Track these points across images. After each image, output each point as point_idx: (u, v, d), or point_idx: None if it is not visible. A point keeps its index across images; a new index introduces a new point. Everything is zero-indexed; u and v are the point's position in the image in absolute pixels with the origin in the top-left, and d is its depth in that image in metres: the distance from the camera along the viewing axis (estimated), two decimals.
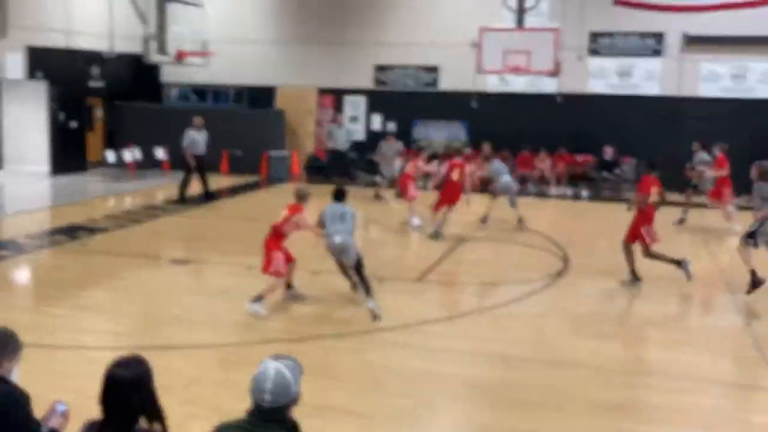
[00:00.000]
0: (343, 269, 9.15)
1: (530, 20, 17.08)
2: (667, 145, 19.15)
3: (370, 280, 8.88)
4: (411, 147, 20.22)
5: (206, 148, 16.03)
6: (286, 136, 21.21)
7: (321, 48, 21.41)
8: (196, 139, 15.84)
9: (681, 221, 14.59)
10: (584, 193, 19.12)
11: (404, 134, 20.61)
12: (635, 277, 10.13)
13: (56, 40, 18.98)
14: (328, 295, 9.39)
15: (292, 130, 21.54)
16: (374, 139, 20.78)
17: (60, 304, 8.88)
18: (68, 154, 19.70)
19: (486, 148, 17.16)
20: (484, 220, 14.14)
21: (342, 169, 19.89)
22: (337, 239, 8.75)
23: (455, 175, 13.04)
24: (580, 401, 6.35)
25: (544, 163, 19.37)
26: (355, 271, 8.87)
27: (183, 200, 15.85)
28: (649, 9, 17.20)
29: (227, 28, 20.94)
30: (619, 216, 14.74)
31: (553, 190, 19.17)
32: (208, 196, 16.24)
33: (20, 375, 3.69)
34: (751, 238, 9.52)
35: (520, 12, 16.38)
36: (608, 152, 19.29)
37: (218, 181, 18.92)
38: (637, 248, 10.13)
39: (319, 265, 10.72)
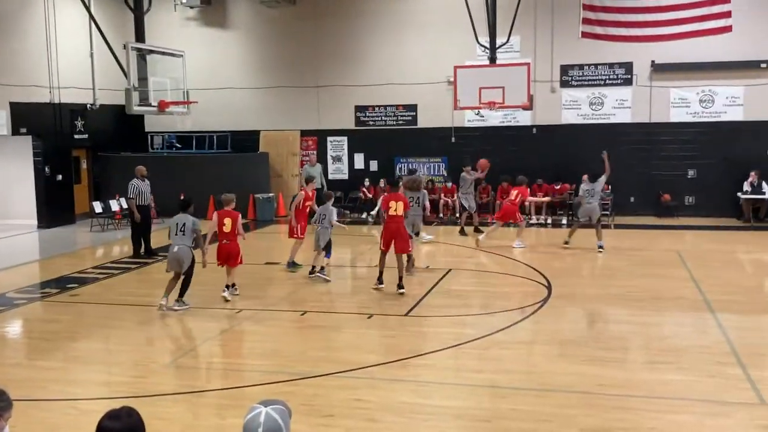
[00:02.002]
0: (177, 276, 10.77)
1: (503, 56, 17.58)
2: (641, 170, 19.66)
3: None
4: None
5: (149, 197, 15.31)
6: (271, 178, 21.51)
7: (301, 91, 21.79)
8: (141, 189, 15.09)
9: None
10: (563, 221, 19.45)
11: (387, 171, 21.00)
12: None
13: (39, 96, 19.23)
14: (313, 335, 9.60)
15: (277, 172, 21.83)
16: (358, 177, 21.27)
17: (51, 356, 8.93)
18: (55, 206, 19.88)
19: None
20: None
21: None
22: (175, 249, 10.65)
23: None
24: (571, 427, 6.48)
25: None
26: (186, 277, 10.71)
27: (139, 253, 15.17)
28: (613, 40, 17.69)
29: (208, 76, 21.31)
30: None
31: (533, 219, 19.48)
32: (148, 253, 15.21)
33: (13, 431, 3.71)
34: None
35: (492, 49, 16.82)
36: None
37: (206, 225, 19.04)
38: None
39: (305, 306, 10.93)
